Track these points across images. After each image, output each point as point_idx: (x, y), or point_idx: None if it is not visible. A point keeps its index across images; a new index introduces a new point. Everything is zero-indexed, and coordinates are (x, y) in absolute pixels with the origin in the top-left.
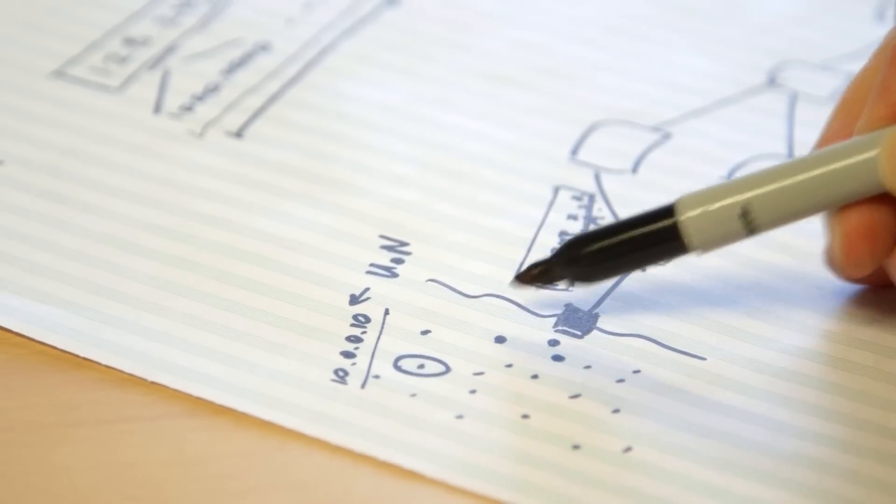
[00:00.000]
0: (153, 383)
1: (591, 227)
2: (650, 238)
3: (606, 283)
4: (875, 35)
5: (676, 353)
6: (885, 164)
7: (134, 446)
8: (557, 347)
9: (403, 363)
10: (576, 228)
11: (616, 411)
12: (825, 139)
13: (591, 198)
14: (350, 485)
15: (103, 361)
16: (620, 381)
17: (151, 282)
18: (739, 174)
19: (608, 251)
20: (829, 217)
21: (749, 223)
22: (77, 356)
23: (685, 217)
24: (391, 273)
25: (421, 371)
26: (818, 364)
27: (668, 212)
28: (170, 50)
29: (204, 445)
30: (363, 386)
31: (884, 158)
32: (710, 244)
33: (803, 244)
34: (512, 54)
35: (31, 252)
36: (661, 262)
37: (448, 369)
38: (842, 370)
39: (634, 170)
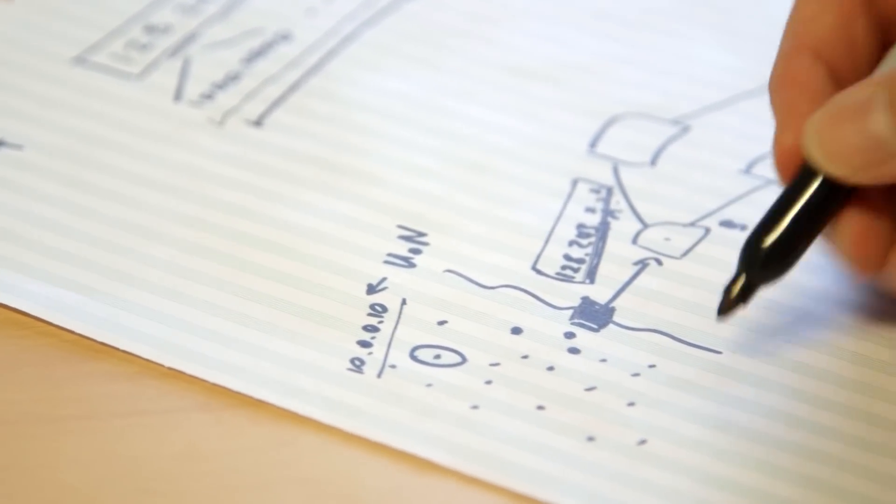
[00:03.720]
0: (166, 375)
1: (753, 227)
2: (813, 198)
3: (625, 278)
4: None
5: (692, 348)
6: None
7: (146, 440)
8: (573, 340)
9: (420, 353)
10: (594, 221)
11: (631, 404)
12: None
13: (609, 191)
14: (363, 478)
15: (121, 347)
16: (636, 374)
17: (170, 269)
18: (758, 169)
19: (786, 235)
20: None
21: None
22: (94, 343)
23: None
24: (409, 263)
25: (437, 361)
26: (835, 358)
27: (809, 172)
28: (190, 38)
29: (216, 439)
30: (379, 375)
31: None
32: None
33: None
34: (532, 47)
35: (49, 237)
36: (831, 217)
37: (464, 360)
38: (859, 365)
39: (653, 163)
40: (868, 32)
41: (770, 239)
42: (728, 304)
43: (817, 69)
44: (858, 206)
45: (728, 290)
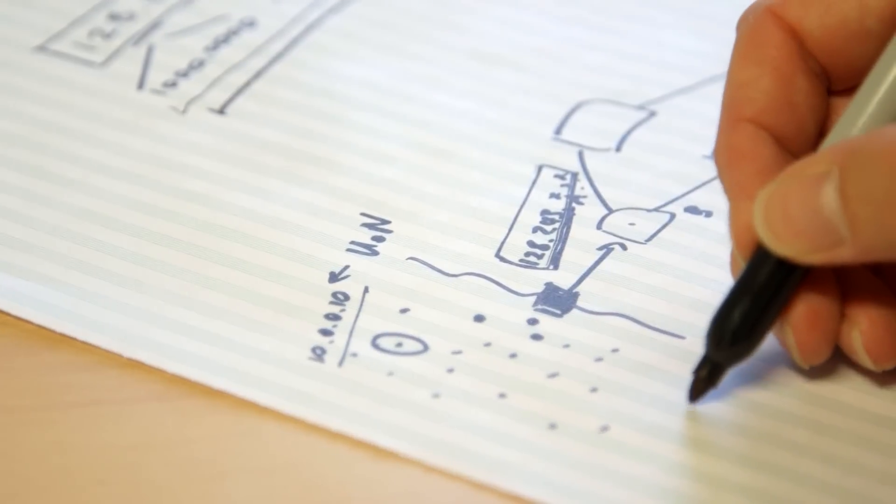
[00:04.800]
0: (126, 365)
1: (714, 313)
2: (773, 276)
3: (589, 263)
4: None
5: (655, 332)
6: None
7: (105, 429)
8: (536, 326)
9: (381, 341)
10: (558, 207)
11: (594, 390)
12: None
13: (574, 176)
14: (323, 468)
15: (80, 337)
16: (599, 359)
17: (132, 258)
18: None
19: (749, 316)
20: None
21: None
22: (52, 334)
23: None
24: (371, 251)
25: (399, 349)
26: None
27: (765, 250)
28: (154, 26)
29: (176, 428)
30: (340, 364)
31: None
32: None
33: None
34: (499, 33)
35: (10, 227)
36: (792, 290)
37: (426, 348)
38: None
39: (618, 148)
40: (808, 89)
41: (734, 318)
42: (698, 387)
43: (761, 138)
44: (799, 297)
45: (696, 373)
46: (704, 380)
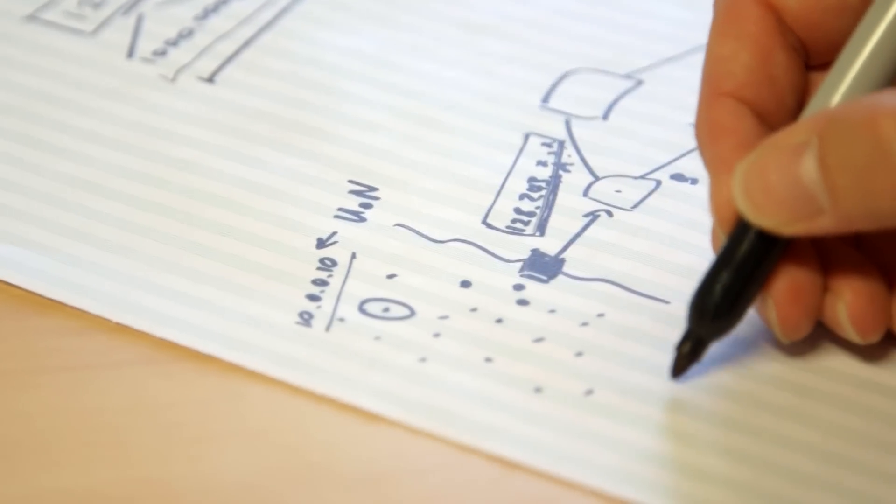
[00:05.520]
0: (114, 329)
1: (696, 287)
2: (754, 249)
3: (575, 230)
4: None
5: (641, 297)
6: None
7: (93, 393)
8: (522, 292)
9: (368, 306)
10: (545, 175)
11: (579, 354)
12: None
13: (561, 144)
14: (310, 430)
15: (69, 302)
16: (584, 324)
17: (121, 225)
18: None
19: (730, 289)
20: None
21: None
22: (41, 299)
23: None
24: (359, 218)
25: (386, 314)
26: None
27: (745, 223)
28: None
29: (163, 392)
30: (328, 329)
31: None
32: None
33: None
34: (487, 3)
35: (1, 194)
36: (773, 263)
37: (413, 313)
38: None
39: (605, 117)
40: (787, 63)
41: (716, 293)
42: (680, 363)
43: (741, 113)
44: (781, 271)
45: (679, 348)
46: (687, 355)
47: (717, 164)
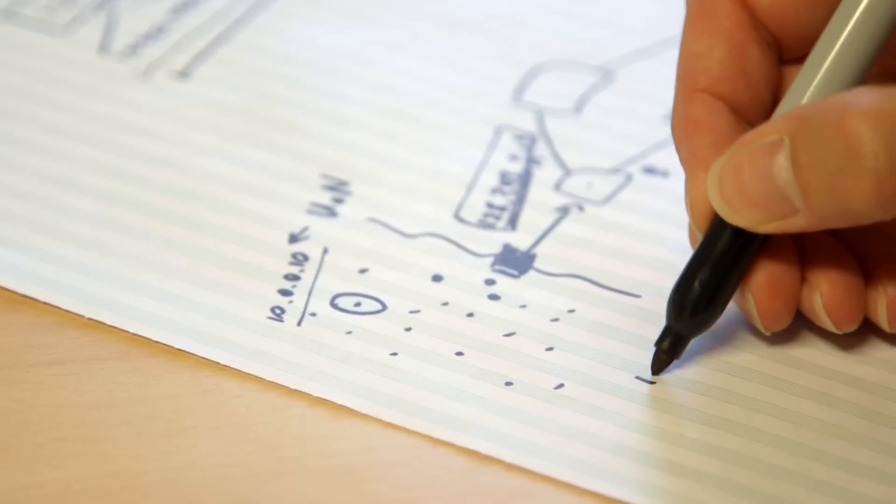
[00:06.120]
0: (87, 325)
1: (674, 284)
2: (730, 245)
3: (547, 224)
4: None
5: (611, 292)
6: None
7: (65, 388)
8: (494, 287)
9: (340, 301)
10: (517, 169)
11: (549, 349)
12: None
13: (533, 138)
14: (282, 424)
15: (41, 298)
16: (555, 320)
17: (93, 220)
18: None
19: (708, 285)
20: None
21: None
22: (14, 295)
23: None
24: (331, 212)
25: (357, 309)
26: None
27: (720, 223)
28: None
29: (135, 387)
30: (299, 323)
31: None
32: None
33: None
34: None
35: None
36: (750, 259)
37: (384, 307)
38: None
39: (577, 110)
40: (761, 57)
41: (694, 289)
42: (660, 360)
43: (717, 108)
44: (760, 265)
45: (658, 345)
46: (667, 352)
47: (692, 161)
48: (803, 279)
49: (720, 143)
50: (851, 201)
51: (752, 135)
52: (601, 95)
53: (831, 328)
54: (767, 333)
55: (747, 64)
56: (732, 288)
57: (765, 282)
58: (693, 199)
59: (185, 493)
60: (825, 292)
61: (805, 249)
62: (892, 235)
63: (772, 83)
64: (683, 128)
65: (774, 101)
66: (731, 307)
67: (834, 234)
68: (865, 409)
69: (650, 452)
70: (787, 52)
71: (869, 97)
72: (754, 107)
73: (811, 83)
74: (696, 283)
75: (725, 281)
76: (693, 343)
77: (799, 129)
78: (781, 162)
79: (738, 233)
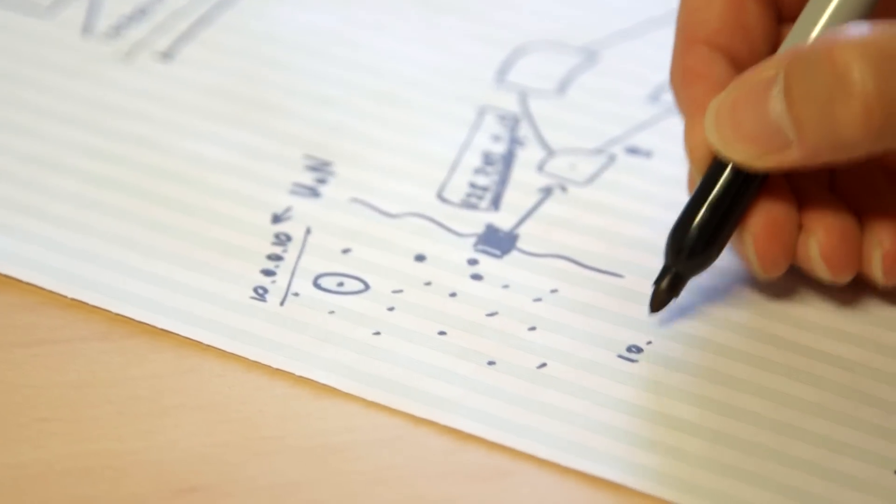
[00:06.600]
0: (69, 305)
1: (673, 225)
2: (729, 185)
3: (530, 205)
4: None
5: (594, 272)
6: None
7: (47, 368)
8: (476, 266)
9: (323, 281)
10: (500, 149)
11: (532, 329)
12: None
13: (516, 119)
14: (265, 403)
15: (24, 278)
16: (538, 300)
17: (76, 201)
18: (665, 96)
19: (707, 224)
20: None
21: None
22: None
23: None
24: (314, 193)
25: (340, 289)
26: (731, 280)
27: (720, 160)
28: None
29: (118, 367)
30: (282, 303)
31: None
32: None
33: None
34: None
35: None
36: (748, 201)
37: (367, 287)
38: (757, 285)
39: (561, 91)
40: (760, 13)
41: (692, 230)
42: (658, 298)
43: (714, 58)
44: (759, 207)
45: (657, 284)
46: (666, 290)
47: (691, 107)
48: (800, 228)
49: (718, 90)
50: (842, 130)
51: (748, 73)
52: (585, 76)
53: (825, 276)
54: (764, 278)
55: (745, 18)
56: (730, 229)
57: (763, 224)
58: (692, 144)
59: (168, 472)
60: (821, 239)
61: (802, 199)
62: (888, 191)
63: (770, 38)
64: (682, 76)
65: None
66: (701, 284)
67: (831, 188)
68: (847, 388)
69: (632, 431)
70: (786, 10)
71: (858, 29)
72: (752, 60)
73: (811, 26)
74: (694, 224)
75: (723, 222)
76: (677, 321)
77: (792, 64)
78: (775, 95)
79: (737, 174)
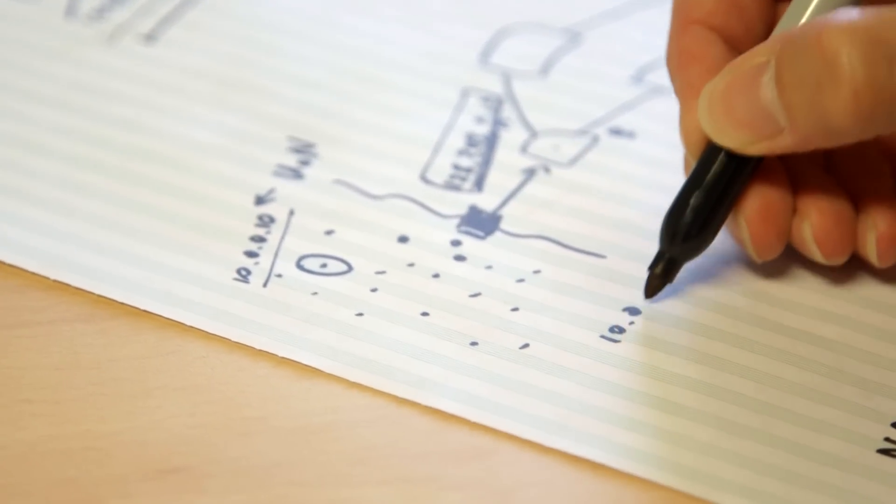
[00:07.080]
0: (52, 287)
1: (668, 209)
2: (723, 170)
3: (513, 186)
4: None
5: (577, 253)
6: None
7: (29, 350)
8: (459, 248)
9: (306, 262)
10: (483, 131)
11: (515, 310)
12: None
13: (500, 100)
14: (247, 385)
15: (7, 260)
16: (521, 280)
17: (60, 183)
18: (649, 77)
19: (701, 209)
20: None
21: None
22: None
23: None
24: (297, 174)
25: (323, 270)
26: (715, 260)
27: (714, 145)
28: None
29: (100, 349)
30: (265, 285)
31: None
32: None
33: None
34: None
35: None
36: (743, 185)
37: (350, 268)
38: (745, 263)
39: (544, 72)
40: None
41: (687, 214)
42: (653, 283)
43: (711, 41)
44: (753, 190)
45: (652, 269)
46: (660, 276)
47: (687, 90)
48: (795, 210)
49: (713, 71)
50: (831, 116)
51: (741, 59)
52: (568, 57)
53: (819, 258)
54: (759, 261)
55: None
56: (724, 213)
57: (758, 208)
58: (687, 127)
59: (150, 453)
60: (815, 221)
61: (797, 182)
62: (884, 172)
63: (766, 19)
64: (677, 59)
65: (768, 36)
66: (696, 270)
67: (826, 169)
68: (830, 368)
69: (614, 411)
70: None
71: (848, 14)
72: (748, 40)
73: (804, 10)
74: (689, 208)
75: (718, 206)
76: (659, 303)
77: (783, 50)
78: (766, 82)
79: (731, 159)
